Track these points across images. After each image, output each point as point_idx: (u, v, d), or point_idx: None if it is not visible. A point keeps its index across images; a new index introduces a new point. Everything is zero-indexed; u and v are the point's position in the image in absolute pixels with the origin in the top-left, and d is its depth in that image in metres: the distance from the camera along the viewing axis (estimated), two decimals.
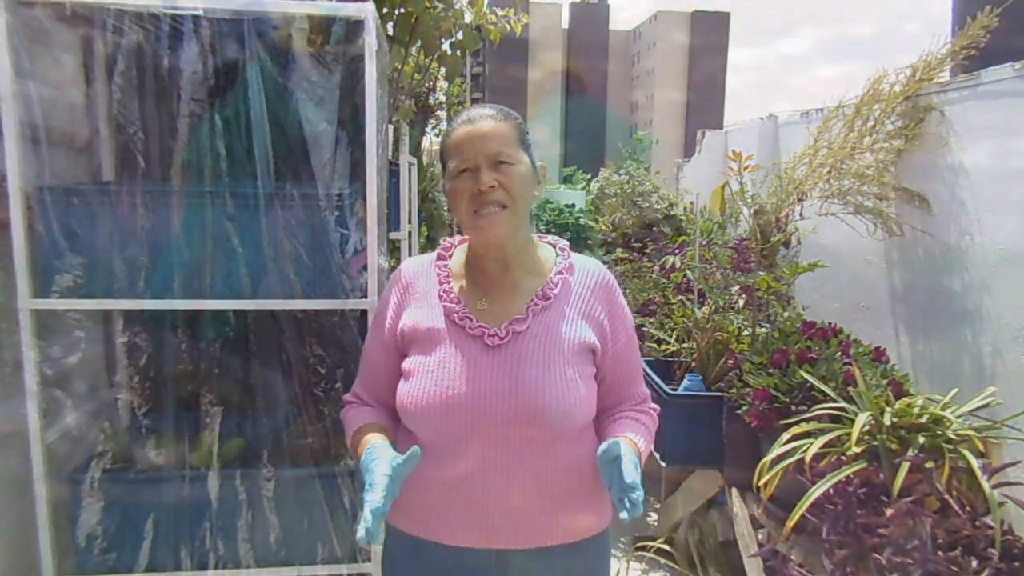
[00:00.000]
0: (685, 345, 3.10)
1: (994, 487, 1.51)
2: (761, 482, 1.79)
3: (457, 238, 1.36)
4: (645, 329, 3.47)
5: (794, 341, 2.34)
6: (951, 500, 1.53)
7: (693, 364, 2.89)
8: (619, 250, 5.03)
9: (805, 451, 1.70)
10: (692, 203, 4.81)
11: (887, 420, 1.70)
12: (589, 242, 5.91)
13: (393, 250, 3.58)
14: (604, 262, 4.64)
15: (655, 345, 3.34)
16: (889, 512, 1.52)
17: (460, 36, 3.27)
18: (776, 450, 1.78)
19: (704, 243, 3.30)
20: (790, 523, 1.63)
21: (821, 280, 3.25)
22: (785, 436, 1.80)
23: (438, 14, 3.00)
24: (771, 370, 2.23)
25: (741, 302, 3.06)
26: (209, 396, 1.87)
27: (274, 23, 1.77)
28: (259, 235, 1.75)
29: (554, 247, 1.33)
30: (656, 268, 4.02)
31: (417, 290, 1.28)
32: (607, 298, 1.28)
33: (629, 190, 5.51)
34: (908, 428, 1.70)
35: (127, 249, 1.71)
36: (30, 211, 1.64)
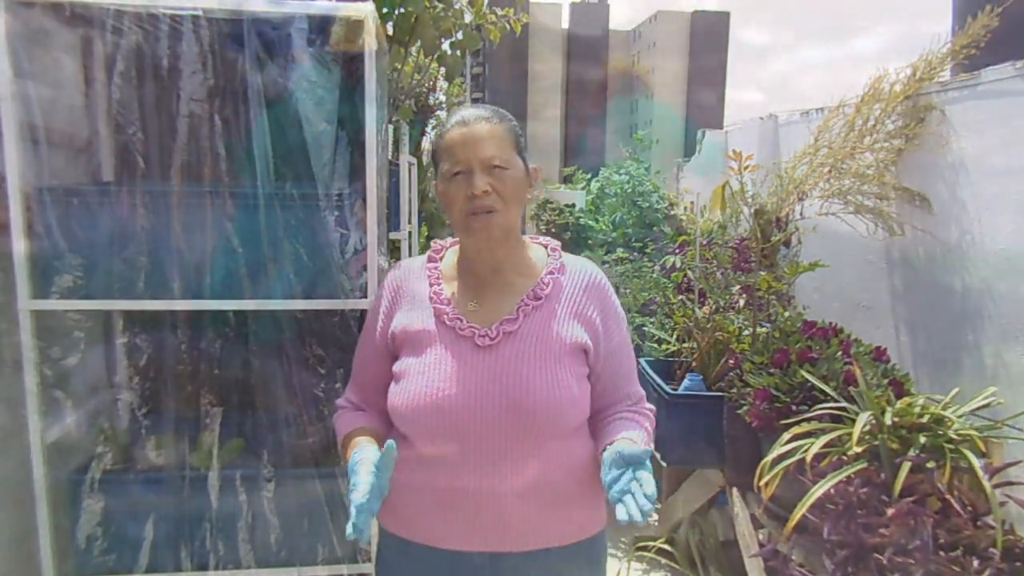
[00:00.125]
0: (686, 345, 3.10)
1: (995, 487, 1.50)
2: (762, 482, 1.79)
3: (448, 240, 1.35)
4: (646, 329, 3.47)
5: (795, 341, 2.33)
6: (952, 500, 1.53)
7: (694, 364, 2.89)
8: (619, 250, 5.03)
9: (806, 451, 1.69)
10: (692, 203, 4.81)
11: (888, 420, 1.70)
12: (589, 242, 5.91)
13: (393, 250, 3.58)
14: (604, 262, 4.64)
15: (656, 345, 3.33)
16: (890, 512, 1.52)
17: (460, 36, 3.27)
18: (777, 450, 1.78)
19: (704, 243, 3.30)
20: (791, 523, 1.63)
21: (822, 280, 3.24)
22: (786, 436, 1.79)
23: (438, 14, 3.00)
24: (772, 370, 2.23)
25: (742, 302, 3.06)
26: (209, 396, 1.87)
27: (274, 23, 1.76)
28: (259, 235, 1.75)
29: (545, 248, 1.32)
30: (656, 268, 4.02)
31: (408, 292, 1.28)
32: (599, 298, 1.27)
33: (629, 190, 5.51)
34: (909, 428, 1.70)
35: (127, 250, 1.71)
36: (30, 212, 1.64)
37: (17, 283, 1.63)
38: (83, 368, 1.85)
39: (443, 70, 3.58)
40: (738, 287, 2.95)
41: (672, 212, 5.40)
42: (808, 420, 1.84)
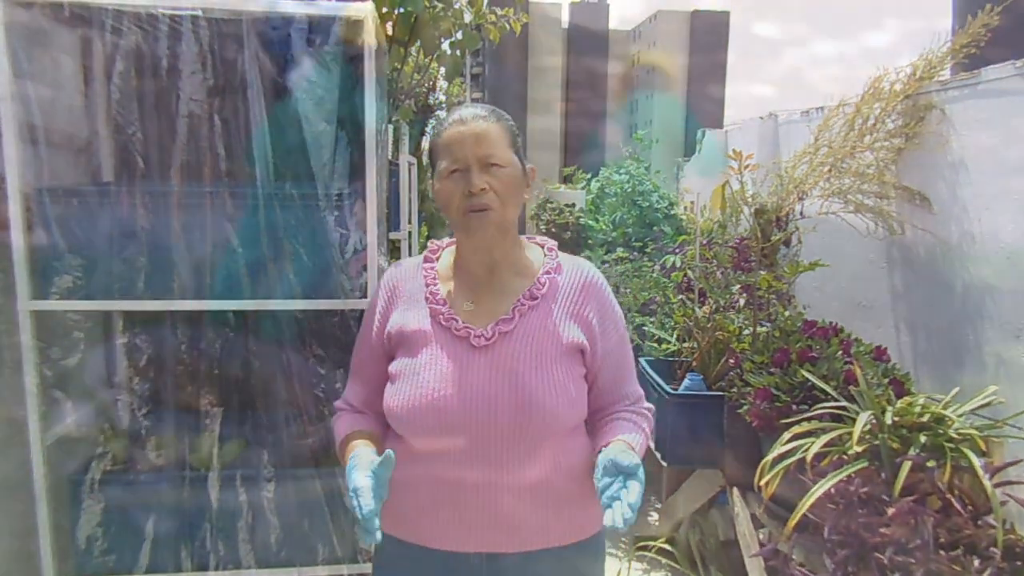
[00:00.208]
0: (686, 344, 3.10)
1: (996, 486, 1.50)
2: (762, 481, 1.79)
3: (445, 240, 1.35)
4: (646, 329, 3.47)
5: (795, 340, 2.33)
6: (953, 499, 1.53)
7: (694, 363, 2.89)
8: (619, 250, 5.02)
9: (806, 450, 1.69)
10: (692, 203, 4.81)
11: (888, 419, 1.69)
12: (589, 242, 5.91)
13: (393, 250, 3.58)
14: (604, 262, 4.64)
15: (656, 345, 3.33)
16: (891, 511, 1.51)
17: (460, 36, 3.27)
18: (777, 449, 1.78)
19: (705, 242, 3.30)
20: (791, 522, 1.63)
21: (822, 279, 3.24)
22: (786, 435, 1.79)
23: (437, 13, 3.00)
24: (772, 369, 2.23)
25: (742, 301, 3.06)
26: (209, 397, 1.87)
27: (273, 23, 1.76)
28: (258, 235, 1.75)
29: (542, 248, 1.32)
30: (656, 267, 4.02)
31: (404, 293, 1.27)
32: (596, 298, 1.26)
33: (629, 189, 5.51)
34: (909, 427, 1.70)
35: (126, 250, 1.71)
36: (29, 212, 1.64)
37: (17, 283, 1.63)
38: (83, 368, 1.85)
39: (443, 70, 3.58)
40: (738, 286, 2.95)
41: (672, 212, 5.40)
42: (808, 419, 1.84)
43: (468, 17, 3.30)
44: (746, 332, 2.80)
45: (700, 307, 3.04)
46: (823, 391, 1.97)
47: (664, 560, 2.68)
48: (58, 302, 1.69)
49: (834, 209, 2.72)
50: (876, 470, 1.65)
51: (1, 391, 1.75)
